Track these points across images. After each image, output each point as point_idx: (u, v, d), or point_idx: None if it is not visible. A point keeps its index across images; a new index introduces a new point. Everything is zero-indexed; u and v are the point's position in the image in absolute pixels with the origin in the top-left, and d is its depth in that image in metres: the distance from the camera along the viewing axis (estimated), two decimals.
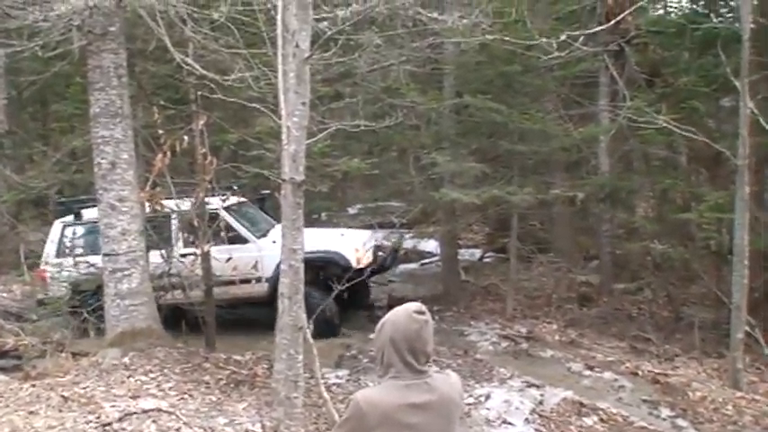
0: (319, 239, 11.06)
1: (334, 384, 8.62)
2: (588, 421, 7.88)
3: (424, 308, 3.20)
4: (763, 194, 12.92)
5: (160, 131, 9.05)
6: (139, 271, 9.50)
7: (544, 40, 8.07)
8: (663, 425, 8.11)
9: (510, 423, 7.74)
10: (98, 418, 7.24)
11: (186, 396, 8.03)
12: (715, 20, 11.43)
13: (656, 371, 9.76)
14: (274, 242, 10.54)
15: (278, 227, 11.02)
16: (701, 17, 12.43)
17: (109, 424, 7.12)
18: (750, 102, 9.60)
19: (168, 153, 8.61)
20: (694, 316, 11.78)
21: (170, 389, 8.19)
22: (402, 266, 15.09)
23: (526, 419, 7.78)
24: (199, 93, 9.12)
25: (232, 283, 11.15)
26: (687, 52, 12.44)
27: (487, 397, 8.30)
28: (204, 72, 8.25)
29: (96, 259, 10.40)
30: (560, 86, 13.58)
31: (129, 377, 8.40)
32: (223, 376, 8.67)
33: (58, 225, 11.79)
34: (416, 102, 11.88)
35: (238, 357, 9.38)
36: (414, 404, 3.09)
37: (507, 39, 8.88)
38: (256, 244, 11.25)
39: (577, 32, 8.49)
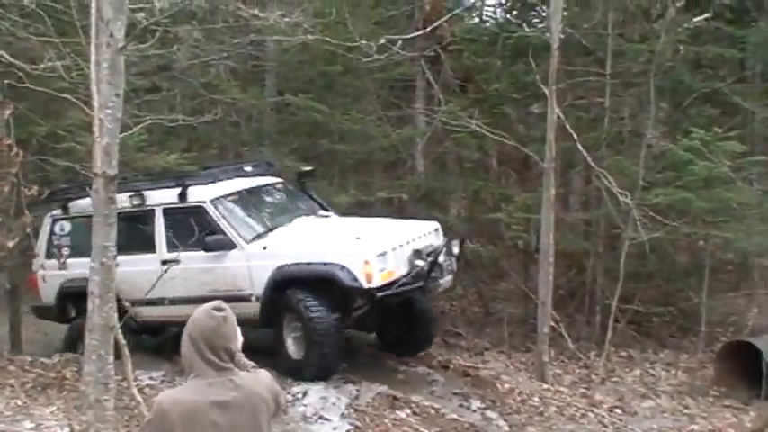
0: (323, 244, 8.76)
1: (147, 386, 8.36)
2: (401, 414, 8.05)
3: (223, 305, 3.24)
4: (569, 197, 13.70)
5: None
6: None
7: (364, 42, 8.23)
8: (473, 416, 8.39)
9: (326, 419, 7.78)
10: None
11: None
12: (527, 29, 11.97)
13: (467, 364, 10.11)
14: (265, 248, 8.79)
15: (298, 220, 9.55)
16: (513, 26, 12.98)
17: None
18: (557, 108, 10.12)
19: None
20: (503, 311, 12.27)
21: None
22: None
23: (342, 414, 7.84)
24: (6, 82, 8.61)
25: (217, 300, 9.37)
26: (499, 60, 12.97)
27: (304, 394, 8.30)
28: (12, 60, 7.81)
29: (82, 263, 8.69)
30: (380, 89, 13.85)
31: None
32: (29, 379, 8.26)
33: (48, 219, 10.01)
34: (237, 98, 11.76)
35: (45, 360, 8.95)
36: (216, 402, 3.07)
37: (328, 39, 8.97)
38: (244, 250, 8.84)
39: (396, 37, 8.69)
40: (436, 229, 9.31)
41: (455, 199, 15.14)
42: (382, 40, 8.19)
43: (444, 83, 13.34)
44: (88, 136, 7.67)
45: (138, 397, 6.83)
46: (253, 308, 8.65)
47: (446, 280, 9.18)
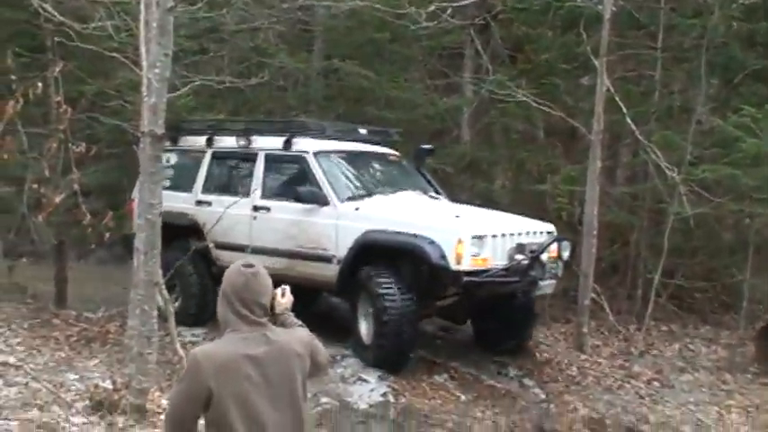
0: (417, 215, 8.30)
1: (190, 342, 8.54)
2: (439, 379, 8.15)
3: (253, 263, 3.29)
4: (615, 170, 13.55)
5: (13, 78, 8.63)
6: None
7: (413, 9, 8.22)
8: (510, 384, 8.46)
9: (364, 380, 7.90)
10: None
11: (34, 351, 7.89)
12: (579, 0, 11.80)
13: None
14: (357, 209, 8.42)
15: (403, 193, 9.08)
16: None
17: None
18: (607, 80, 10.02)
19: (20, 100, 8.24)
20: None
21: (18, 344, 8.03)
22: None
23: (380, 377, 7.94)
24: (56, 40, 8.76)
25: (300, 256, 8.62)
26: (550, 30, 12.81)
27: (343, 356, 8.44)
28: (62, 19, 7.93)
29: (177, 196, 9.20)
30: (427, 56, 13.80)
31: None
32: (73, 333, 8.53)
33: None
34: (284, 63, 11.80)
35: (90, 314, 9.20)
36: (250, 355, 3.13)
37: (377, 5, 8.96)
38: (336, 208, 8.50)
39: (446, 4, 8.65)
40: (549, 232, 8.63)
41: (500, 170, 15.08)
42: (432, 8, 8.17)
43: (493, 52, 13.25)
44: (136, 95, 7.81)
45: (181, 352, 7.00)
46: (333, 270, 8.35)
47: (548, 284, 8.53)
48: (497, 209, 9.74)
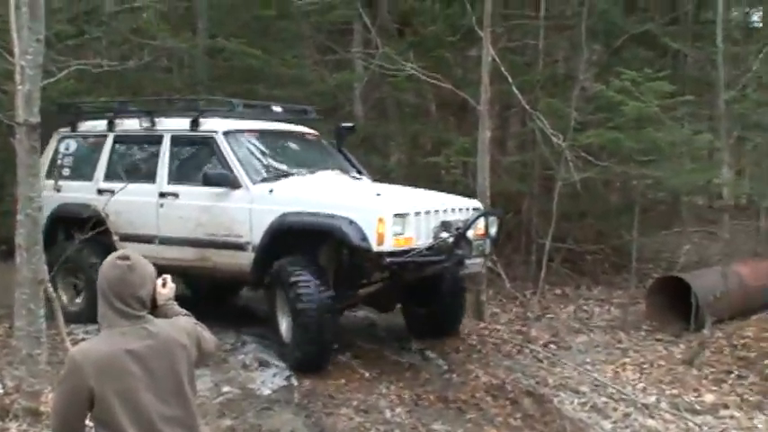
0: (335, 195, 7.83)
1: (83, 340, 8.27)
2: (343, 358, 8.12)
3: (129, 253, 3.20)
4: (507, 140, 13.79)
5: None
6: None
7: None
8: (413, 357, 8.49)
9: (266, 366, 7.81)
10: None
11: None
12: None
13: None
14: (272, 191, 7.91)
15: (322, 173, 8.63)
16: None
17: None
18: (492, 51, 10.13)
19: None
20: None
21: None
22: None
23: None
24: None
25: (212, 245, 8.14)
26: (437, 2, 12.89)
27: (243, 343, 8.34)
28: None
29: (78, 186, 8.88)
30: (316, 33, 13.69)
31: None
32: None
33: (55, 136, 9.30)
34: (168, 43, 11.50)
35: None
36: (130, 350, 3.06)
37: None
38: (249, 191, 7.99)
39: None
40: (476, 208, 8.26)
41: (395, 145, 15.12)
42: None
43: (381, 26, 13.22)
44: (12, 84, 7.47)
45: None
46: (248, 258, 7.85)
47: (475, 262, 8.03)
48: (393, 184, 9.64)
